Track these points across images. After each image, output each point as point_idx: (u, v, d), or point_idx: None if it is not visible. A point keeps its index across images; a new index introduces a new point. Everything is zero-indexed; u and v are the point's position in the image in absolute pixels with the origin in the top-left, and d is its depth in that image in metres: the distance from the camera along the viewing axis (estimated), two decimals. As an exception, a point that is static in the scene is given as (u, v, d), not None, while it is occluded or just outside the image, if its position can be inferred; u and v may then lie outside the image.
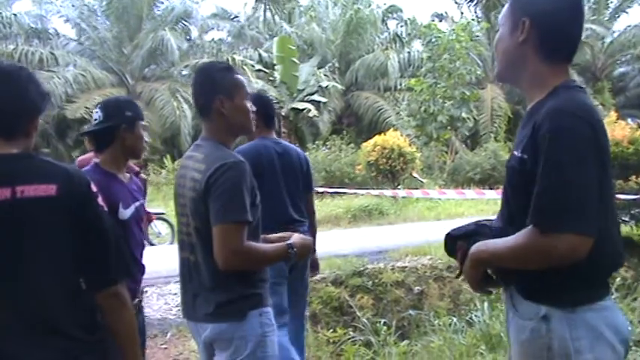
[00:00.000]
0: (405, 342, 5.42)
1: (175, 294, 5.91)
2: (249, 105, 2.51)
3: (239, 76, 2.51)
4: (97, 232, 1.78)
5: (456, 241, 1.90)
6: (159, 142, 22.20)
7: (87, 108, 20.67)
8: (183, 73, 24.55)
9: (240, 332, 2.35)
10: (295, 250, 2.44)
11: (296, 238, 2.53)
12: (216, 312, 2.37)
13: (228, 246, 2.25)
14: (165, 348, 4.70)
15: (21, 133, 1.78)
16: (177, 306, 5.61)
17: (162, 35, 21.89)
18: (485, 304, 5.63)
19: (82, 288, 1.78)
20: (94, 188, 1.80)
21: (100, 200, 1.80)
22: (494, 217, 1.98)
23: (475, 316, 5.46)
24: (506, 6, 1.84)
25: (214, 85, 2.46)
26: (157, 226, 10.62)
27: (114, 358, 1.82)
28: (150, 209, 10.94)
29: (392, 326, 5.68)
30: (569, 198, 1.56)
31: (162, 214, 10.78)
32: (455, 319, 5.53)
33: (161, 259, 6.26)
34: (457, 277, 1.99)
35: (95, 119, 2.73)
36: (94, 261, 1.78)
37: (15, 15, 22.94)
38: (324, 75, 23.12)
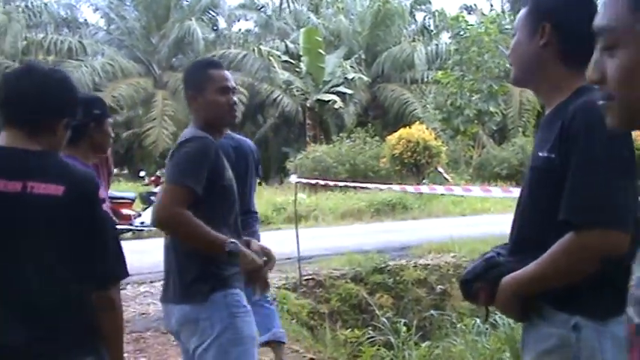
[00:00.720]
0: (426, 344, 5.28)
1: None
2: (226, 99, 2.54)
3: (216, 71, 2.57)
4: (96, 236, 1.81)
5: (472, 285, 1.83)
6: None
7: (114, 97, 20.86)
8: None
9: (204, 314, 2.35)
10: (233, 251, 2.36)
11: (254, 245, 2.58)
12: (182, 293, 2.40)
13: (165, 205, 2.31)
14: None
15: (45, 130, 1.81)
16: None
17: (189, 25, 21.91)
18: (510, 306, 5.46)
19: (78, 288, 1.80)
20: (101, 194, 1.85)
21: (104, 206, 1.90)
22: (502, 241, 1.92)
23: (500, 317, 5.29)
24: (524, 11, 1.84)
25: (187, 82, 2.61)
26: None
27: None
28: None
29: (412, 327, 5.52)
30: (604, 193, 1.57)
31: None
32: (478, 321, 5.37)
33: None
34: (485, 321, 1.93)
35: None
36: (91, 262, 1.80)
37: (45, 4, 23.16)
38: (350, 67, 22.95)
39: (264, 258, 2.71)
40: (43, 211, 1.71)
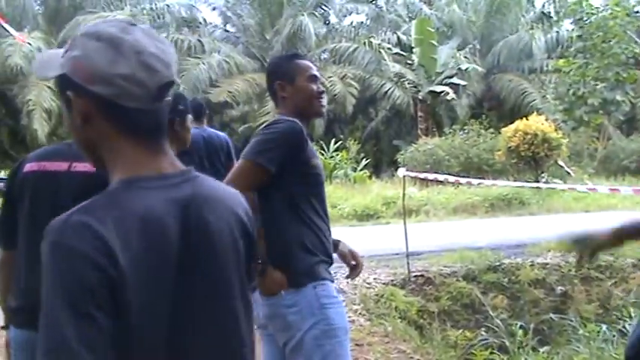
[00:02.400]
0: (545, 349, 4.95)
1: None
2: (315, 87, 2.55)
3: (303, 61, 2.60)
4: None
5: None
6: (296, 126, 22.61)
7: (229, 92, 21.58)
8: (323, 57, 24.80)
9: (293, 307, 2.30)
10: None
11: (342, 248, 2.59)
12: None
13: (229, 178, 2.31)
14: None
15: None
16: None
17: (301, 20, 22.18)
18: (641, 313, 5.00)
19: None
20: None
21: None
22: None
23: (629, 325, 4.85)
24: None
25: (274, 73, 2.60)
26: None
27: None
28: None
29: (529, 330, 5.19)
30: None
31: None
32: (604, 328, 4.95)
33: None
34: None
35: None
36: None
37: (168, 5, 24.32)
38: (464, 57, 22.31)
39: (353, 262, 2.63)
40: (81, 185, 1.98)
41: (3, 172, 10.01)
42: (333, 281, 2.42)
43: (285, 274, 2.31)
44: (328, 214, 2.50)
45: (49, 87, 18.08)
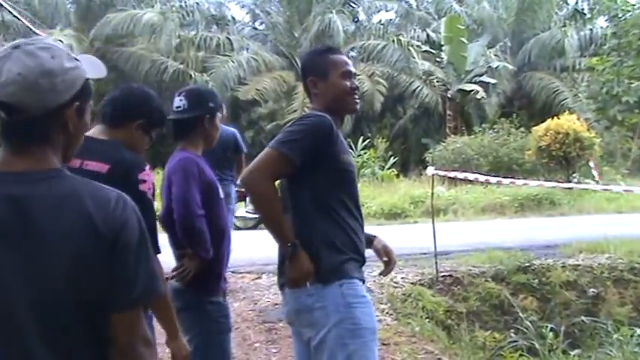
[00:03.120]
0: (576, 352, 4.86)
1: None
2: (348, 83, 2.48)
3: (337, 56, 2.53)
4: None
5: None
6: (324, 124, 22.57)
7: (257, 90, 21.63)
8: (351, 54, 24.73)
9: (318, 303, 2.26)
10: (291, 254, 2.24)
11: (377, 243, 2.63)
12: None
13: (252, 166, 2.32)
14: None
15: (121, 127, 2.33)
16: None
17: (330, 18, 22.13)
18: (677, 317, 4.87)
19: None
20: (142, 177, 2.14)
21: (143, 187, 2.13)
22: None
23: (663, 329, 4.73)
24: None
25: (307, 68, 2.54)
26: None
27: None
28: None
29: (560, 333, 5.09)
30: None
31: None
32: (638, 331, 4.84)
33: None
34: None
35: (178, 107, 2.78)
36: None
37: (197, 3, 24.46)
38: (494, 55, 22.06)
39: (385, 259, 2.59)
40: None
41: None
42: (363, 281, 2.37)
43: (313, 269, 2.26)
44: (361, 212, 2.45)
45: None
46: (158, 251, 2.13)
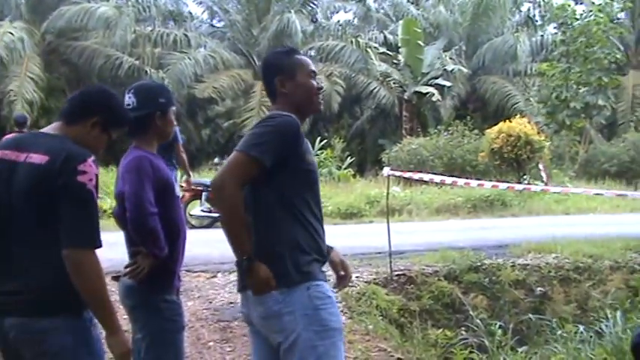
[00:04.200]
0: (523, 349, 4.98)
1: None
2: (315, 83, 2.51)
3: (302, 57, 2.56)
4: (67, 200, 2.09)
5: None
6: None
7: (215, 88, 21.46)
8: (311, 54, 24.76)
9: (286, 308, 2.25)
10: (246, 268, 2.26)
11: (334, 256, 2.61)
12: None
13: (222, 170, 2.33)
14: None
15: (76, 124, 2.30)
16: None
17: (289, 17, 22.11)
18: (619, 314, 5.06)
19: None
20: (82, 168, 2.11)
21: (82, 178, 2.10)
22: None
23: (606, 326, 4.91)
24: None
25: (273, 67, 2.52)
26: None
27: None
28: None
29: (509, 330, 5.23)
30: None
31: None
32: (582, 328, 5.01)
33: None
34: None
35: (128, 104, 2.74)
36: (62, 222, 2.09)
37: (154, -1, 24.11)
38: (450, 58, 22.41)
39: (341, 272, 2.62)
40: (31, 174, 2.13)
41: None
42: (326, 280, 2.37)
43: (277, 273, 2.24)
44: (322, 212, 2.45)
45: (31, 78, 17.85)
46: (100, 245, 2.11)
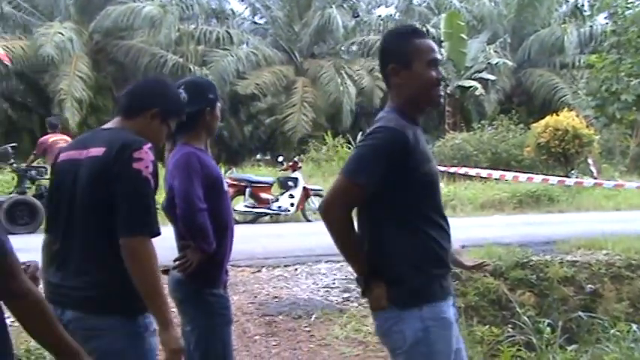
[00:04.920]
0: (573, 347, 4.86)
1: (324, 274, 5.81)
2: (434, 74, 2.22)
3: (423, 41, 2.24)
4: (124, 187, 2.08)
5: None
6: (323, 119, 22.57)
7: (257, 84, 21.62)
8: (352, 49, 24.70)
9: (396, 326, 2.17)
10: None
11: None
12: None
13: (330, 195, 2.23)
14: (309, 331, 4.60)
15: (135, 117, 2.30)
16: (325, 287, 5.50)
17: (330, 13, 22.10)
18: (673, 313, 4.89)
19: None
20: (138, 155, 2.09)
21: (138, 165, 2.08)
22: None
23: (661, 325, 4.75)
24: None
25: (388, 53, 2.27)
26: (314, 202, 10.73)
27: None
28: (307, 185, 11.12)
29: (557, 328, 5.10)
30: None
31: (320, 190, 10.86)
32: (635, 327, 4.85)
33: (315, 235, 6.19)
34: None
35: None
36: (118, 211, 2.08)
37: (204, -3, 24.38)
38: (494, 51, 22.05)
39: (468, 264, 2.64)
40: (92, 166, 2.15)
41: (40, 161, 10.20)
42: (446, 298, 2.23)
43: (391, 293, 2.15)
44: (447, 218, 2.27)
45: (80, 77, 18.30)
46: (158, 233, 2.12)
